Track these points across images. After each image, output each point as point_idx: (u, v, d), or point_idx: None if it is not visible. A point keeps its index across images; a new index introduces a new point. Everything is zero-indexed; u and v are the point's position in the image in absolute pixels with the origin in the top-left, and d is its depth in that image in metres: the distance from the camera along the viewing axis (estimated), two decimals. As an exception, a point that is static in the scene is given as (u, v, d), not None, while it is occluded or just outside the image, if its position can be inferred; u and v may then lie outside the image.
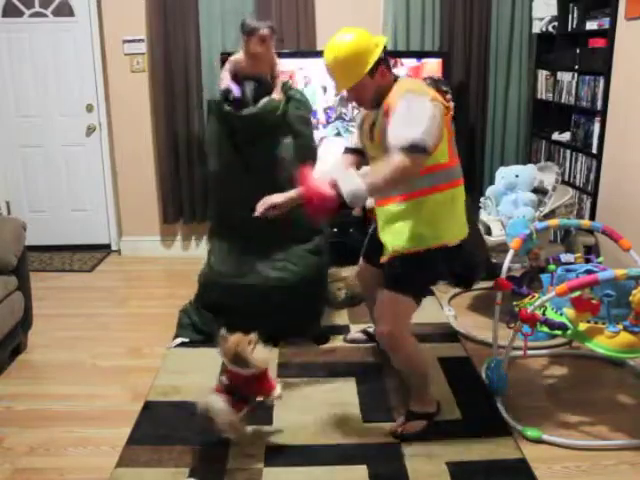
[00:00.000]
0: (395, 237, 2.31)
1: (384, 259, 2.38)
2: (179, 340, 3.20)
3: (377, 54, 2.17)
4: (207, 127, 3.31)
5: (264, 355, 2.31)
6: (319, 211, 2.09)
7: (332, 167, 2.65)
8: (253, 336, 2.30)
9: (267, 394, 2.35)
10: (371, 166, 2.42)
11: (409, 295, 2.30)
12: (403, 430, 2.39)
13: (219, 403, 2.25)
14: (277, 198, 2.27)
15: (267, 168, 3.05)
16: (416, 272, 2.31)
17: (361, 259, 2.83)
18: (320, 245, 3.21)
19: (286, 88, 3.16)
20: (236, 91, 3.02)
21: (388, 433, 2.41)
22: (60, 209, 4.72)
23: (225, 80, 3.04)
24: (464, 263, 2.52)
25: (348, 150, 2.60)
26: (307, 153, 3.12)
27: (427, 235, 2.28)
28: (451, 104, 3.42)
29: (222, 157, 3.16)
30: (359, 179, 2.05)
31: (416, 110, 2.08)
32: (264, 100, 3.03)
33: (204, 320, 3.21)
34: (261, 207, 2.30)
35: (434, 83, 3.52)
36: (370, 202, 2.62)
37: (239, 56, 3.04)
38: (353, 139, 2.61)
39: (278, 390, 2.36)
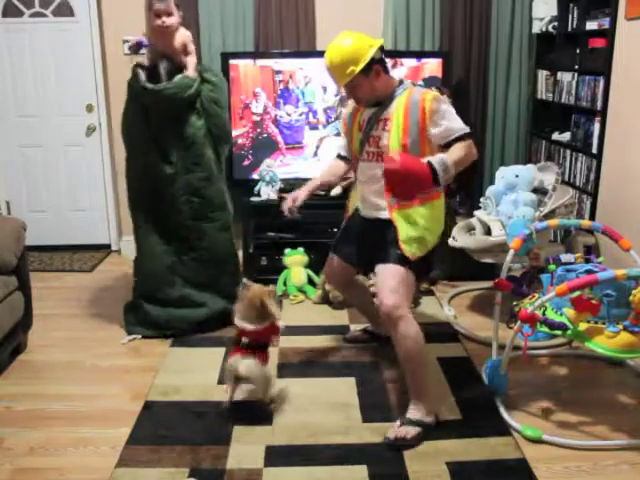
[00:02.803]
0: (413, 242, 2.44)
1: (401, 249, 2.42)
2: (132, 337, 3.28)
3: (370, 55, 2.36)
4: (122, 116, 3.27)
5: (275, 306, 2.55)
6: (411, 185, 2.20)
7: (323, 171, 2.85)
8: (272, 287, 2.56)
9: (277, 334, 2.61)
10: (361, 162, 2.58)
11: (413, 271, 2.43)
12: (396, 436, 2.36)
13: (251, 363, 2.46)
14: (301, 194, 2.65)
15: (179, 148, 3.17)
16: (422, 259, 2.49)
17: (332, 255, 2.86)
18: (228, 222, 3.36)
19: (201, 69, 3.24)
20: (144, 42, 3.13)
21: (384, 437, 2.38)
22: (60, 209, 4.73)
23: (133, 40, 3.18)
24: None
25: (340, 157, 2.79)
26: (220, 134, 3.29)
27: (434, 235, 2.52)
28: None
29: (138, 141, 3.19)
30: (441, 154, 2.26)
31: (451, 109, 2.41)
32: (178, 76, 3.10)
33: (149, 314, 3.30)
34: (289, 206, 2.63)
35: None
36: (359, 186, 2.68)
37: (146, 31, 3.16)
38: (343, 144, 2.77)
39: (282, 324, 2.59)
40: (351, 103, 2.65)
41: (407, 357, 2.42)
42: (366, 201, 2.63)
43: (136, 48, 3.11)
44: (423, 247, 2.47)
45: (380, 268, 2.46)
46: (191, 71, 3.12)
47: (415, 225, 2.43)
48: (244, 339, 2.50)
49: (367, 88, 2.43)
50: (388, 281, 2.39)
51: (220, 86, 3.28)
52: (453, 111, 2.41)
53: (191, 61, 3.13)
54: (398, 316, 2.34)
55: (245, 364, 2.46)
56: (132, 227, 3.41)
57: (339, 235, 2.88)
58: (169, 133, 3.15)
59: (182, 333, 3.27)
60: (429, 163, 2.18)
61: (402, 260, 2.41)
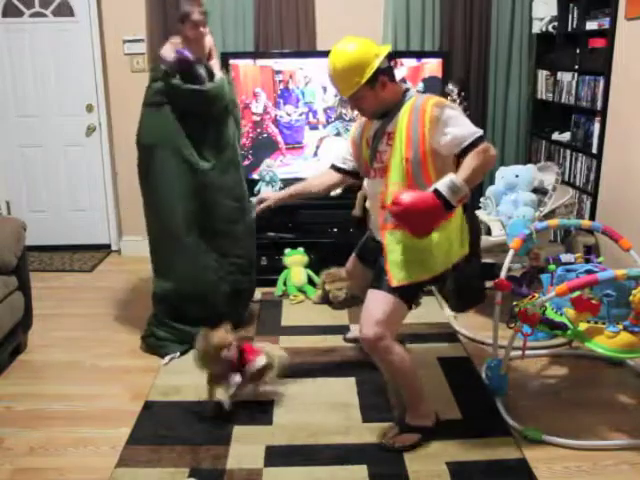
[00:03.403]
0: (403, 268, 2.25)
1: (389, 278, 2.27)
2: (170, 356, 3.05)
3: (376, 65, 2.20)
4: (147, 128, 3.12)
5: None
6: (425, 221, 2.04)
7: (311, 178, 2.79)
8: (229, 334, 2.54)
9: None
10: (369, 179, 2.45)
11: (403, 299, 2.28)
12: (394, 442, 2.34)
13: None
14: (271, 199, 2.64)
15: (217, 150, 3.12)
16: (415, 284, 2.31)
17: (353, 256, 2.84)
18: (253, 225, 3.32)
19: (224, 71, 3.26)
20: (188, 54, 3.00)
21: (379, 442, 2.36)
22: (60, 209, 4.73)
23: (168, 52, 3.00)
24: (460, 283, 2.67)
25: (334, 167, 2.66)
26: (239, 135, 3.35)
27: (440, 258, 2.30)
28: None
29: (173, 144, 3.03)
30: (450, 174, 2.05)
31: (456, 114, 2.19)
32: (217, 77, 3.11)
33: (180, 331, 3.12)
34: (260, 207, 2.64)
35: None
36: (368, 203, 2.64)
37: (176, 40, 3.05)
38: (342, 154, 2.64)
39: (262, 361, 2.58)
40: (359, 118, 2.53)
41: (394, 377, 2.41)
42: (372, 218, 2.53)
43: (183, 65, 2.97)
44: (423, 271, 2.28)
45: (370, 293, 2.33)
46: (219, 73, 3.15)
47: (409, 248, 2.24)
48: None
49: (372, 99, 2.27)
50: (373, 310, 2.26)
51: (234, 87, 3.35)
52: (460, 115, 2.20)
53: (217, 64, 3.18)
54: (379, 347, 2.25)
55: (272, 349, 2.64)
56: (164, 246, 3.13)
57: (362, 241, 2.78)
58: (206, 135, 3.10)
59: None
60: (435, 191, 2.01)
61: (392, 288, 2.25)
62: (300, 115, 4.12)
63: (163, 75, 3.01)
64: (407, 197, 2.01)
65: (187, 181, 3.06)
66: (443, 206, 2.01)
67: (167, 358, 3.04)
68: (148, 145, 3.10)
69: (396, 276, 2.25)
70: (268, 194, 2.75)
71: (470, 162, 2.09)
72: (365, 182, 2.58)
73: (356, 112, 2.54)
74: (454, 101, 3.96)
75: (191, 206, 3.08)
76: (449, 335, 3.30)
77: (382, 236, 2.32)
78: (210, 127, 3.11)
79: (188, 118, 3.04)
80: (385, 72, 2.25)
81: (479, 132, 2.15)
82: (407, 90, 2.34)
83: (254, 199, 2.71)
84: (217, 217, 3.15)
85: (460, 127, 2.15)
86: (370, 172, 2.41)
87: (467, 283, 3.35)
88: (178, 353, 3.08)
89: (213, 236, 3.15)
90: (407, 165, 2.21)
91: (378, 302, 2.27)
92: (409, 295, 2.30)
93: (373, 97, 2.26)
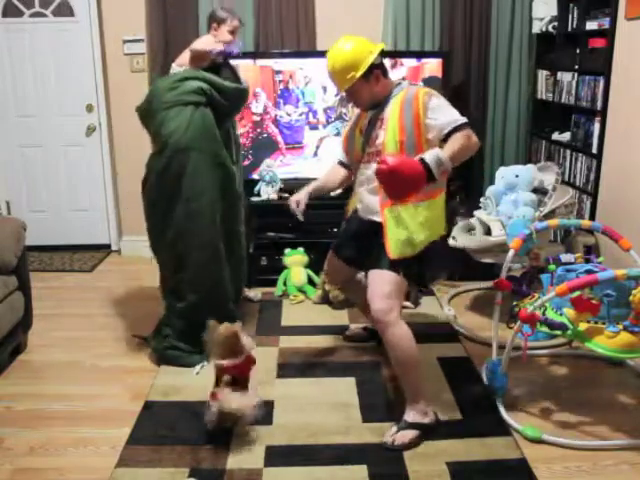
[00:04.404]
0: (400, 244, 2.39)
1: (391, 254, 2.39)
2: (200, 365, 2.95)
3: (370, 60, 2.40)
4: (183, 129, 2.87)
5: (247, 340, 2.52)
6: (405, 184, 2.15)
7: (323, 175, 2.86)
8: (239, 324, 2.49)
9: (254, 364, 2.53)
10: (360, 169, 2.59)
11: (400, 274, 2.41)
12: (394, 440, 2.35)
13: (236, 400, 2.35)
14: (302, 197, 2.68)
15: (232, 149, 3.21)
16: (410, 260, 2.43)
17: (330, 252, 2.90)
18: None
19: None
20: (237, 50, 3.12)
21: (380, 440, 2.37)
22: (60, 209, 4.73)
23: (218, 45, 3.05)
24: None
25: (341, 163, 2.80)
26: None
27: (429, 234, 2.45)
28: None
29: (215, 147, 2.99)
30: (437, 148, 2.22)
31: (443, 102, 2.39)
32: (241, 76, 3.22)
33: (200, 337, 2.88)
34: (294, 209, 2.67)
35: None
36: (359, 190, 2.66)
37: (211, 40, 3.12)
38: (342, 151, 2.78)
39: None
40: (352, 114, 2.68)
41: (399, 361, 2.42)
42: (363, 202, 2.61)
43: (232, 58, 3.15)
44: (414, 247, 2.40)
45: (372, 273, 2.46)
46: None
47: (405, 225, 2.38)
48: (226, 377, 2.41)
49: (367, 92, 2.46)
50: (379, 287, 2.39)
51: None
52: (446, 103, 2.39)
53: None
54: (388, 321, 2.35)
55: (236, 398, 2.37)
56: (197, 257, 2.95)
57: (339, 236, 2.91)
58: (228, 136, 3.15)
59: None
60: (421, 160, 2.12)
61: (393, 266, 2.39)
62: (300, 115, 4.12)
63: (210, 74, 2.99)
64: (393, 159, 2.13)
65: (220, 184, 2.99)
66: (426, 176, 2.13)
67: (198, 367, 2.94)
68: (184, 147, 2.87)
69: (394, 250, 2.39)
70: (298, 198, 2.69)
71: (454, 142, 2.27)
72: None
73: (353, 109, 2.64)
74: None
75: (221, 210, 3.03)
76: (449, 335, 3.30)
77: (382, 214, 2.44)
78: (231, 128, 3.18)
79: (217, 120, 2.99)
80: (378, 68, 2.45)
81: (461, 120, 2.32)
82: (398, 84, 2.52)
83: (289, 202, 2.67)
84: (234, 219, 3.18)
85: (444, 115, 2.34)
86: (363, 157, 2.57)
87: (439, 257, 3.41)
88: (206, 363, 2.92)
89: (231, 239, 3.14)
90: (401, 148, 2.36)
91: (383, 280, 2.41)
92: (406, 269, 2.42)
93: (368, 90, 2.46)
